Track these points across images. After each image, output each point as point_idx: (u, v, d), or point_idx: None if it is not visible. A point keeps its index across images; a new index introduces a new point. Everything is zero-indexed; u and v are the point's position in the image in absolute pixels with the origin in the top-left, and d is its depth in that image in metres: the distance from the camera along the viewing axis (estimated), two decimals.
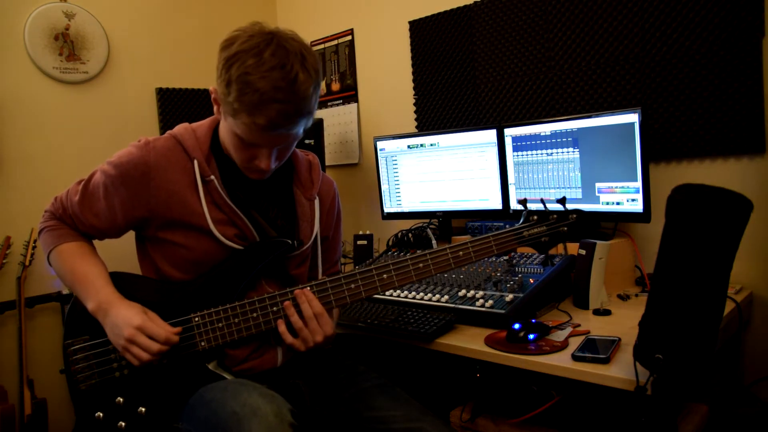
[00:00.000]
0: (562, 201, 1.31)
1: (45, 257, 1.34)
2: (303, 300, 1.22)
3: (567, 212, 1.30)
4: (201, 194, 1.24)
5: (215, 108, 1.23)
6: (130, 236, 1.35)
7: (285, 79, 1.08)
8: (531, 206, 1.36)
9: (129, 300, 1.23)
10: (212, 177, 1.25)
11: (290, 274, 1.34)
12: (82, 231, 1.32)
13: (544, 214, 1.30)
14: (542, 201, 1.34)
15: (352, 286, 1.24)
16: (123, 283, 1.27)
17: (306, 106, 1.13)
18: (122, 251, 1.46)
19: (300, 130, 1.18)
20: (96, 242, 1.36)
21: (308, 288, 1.24)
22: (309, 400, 1.30)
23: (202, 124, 1.31)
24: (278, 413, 1.05)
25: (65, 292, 2.32)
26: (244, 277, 1.26)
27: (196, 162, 1.25)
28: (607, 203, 1.73)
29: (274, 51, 1.09)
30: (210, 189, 1.25)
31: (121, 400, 1.22)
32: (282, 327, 1.22)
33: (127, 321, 1.17)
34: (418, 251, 1.26)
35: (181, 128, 1.30)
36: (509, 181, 1.99)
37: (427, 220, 2.27)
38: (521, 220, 1.31)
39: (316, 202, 1.39)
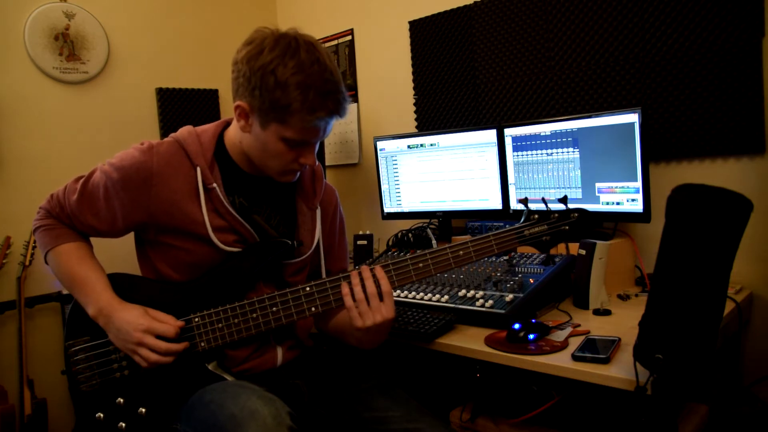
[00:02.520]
0: (564, 200, 1.29)
1: (42, 256, 1.33)
2: (368, 276, 1.19)
3: (568, 211, 1.29)
4: (202, 202, 1.24)
5: (242, 123, 1.22)
6: (130, 237, 1.35)
7: (326, 71, 1.15)
8: (532, 206, 1.35)
9: (128, 302, 1.23)
10: (214, 185, 1.24)
11: (286, 281, 1.34)
12: (79, 230, 1.31)
13: (545, 213, 1.29)
14: (543, 200, 1.33)
15: None
16: (123, 284, 1.27)
17: (345, 89, 1.20)
18: (122, 252, 1.46)
19: None
20: (97, 243, 1.35)
21: (377, 267, 1.22)
22: (308, 400, 1.30)
23: (207, 129, 1.30)
24: (276, 416, 1.05)
25: (65, 292, 2.32)
26: (243, 277, 1.26)
27: (198, 169, 1.24)
28: (607, 203, 1.73)
29: (306, 48, 1.15)
30: (212, 196, 1.25)
31: (122, 400, 1.22)
32: (345, 289, 1.20)
33: (134, 325, 1.18)
34: (418, 251, 1.26)
35: (185, 132, 1.29)
36: (509, 181, 1.99)
37: (427, 220, 2.27)
38: (522, 219, 1.29)
39: (318, 211, 1.39)
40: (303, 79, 1.12)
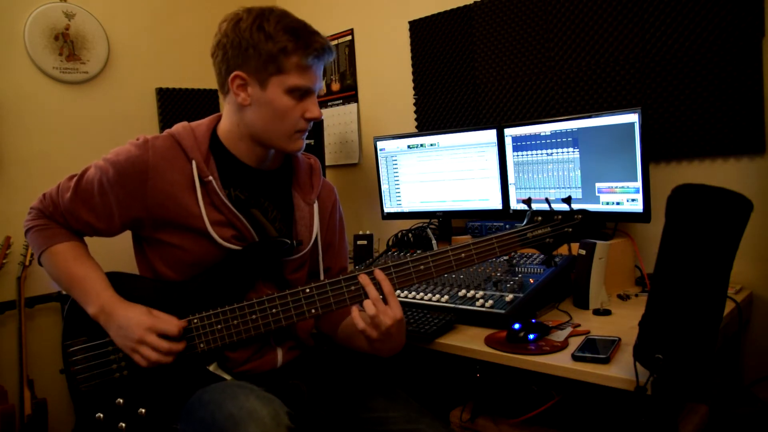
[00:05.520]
0: (568, 200, 1.26)
1: (36, 258, 1.32)
2: (368, 283, 1.19)
3: (572, 212, 1.26)
4: (198, 196, 1.23)
5: (242, 95, 1.22)
6: (127, 237, 1.34)
7: (304, 22, 1.24)
8: (534, 206, 1.32)
9: (129, 301, 1.23)
10: (210, 178, 1.24)
11: (286, 278, 1.34)
12: (74, 228, 1.30)
13: (549, 215, 1.26)
14: (547, 200, 1.30)
15: (352, 288, 1.22)
16: (121, 284, 1.27)
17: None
18: (119, 250, 1.46)
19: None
20: (93, 242, 1.34)
21: (381, 270, 1.21)
22: (308, 400, 1.30)
23: (201, 124, 1.30)
24: (275, 416, 1.04)
25: (65, 292, 2.32)
26: (242, 278, 1.26)
27: (194, 163, 1.24)
28: (607, 203, 1.73)
29: (280, 10, 1.23)
30: (208, 190, 1.25)
31: (122, 401, 1.22)
32: (356, 312, 1.19)
33: (136, 322, 1.18)
34: (418, 251, 1.25)
35: (179, 127, 1.29)
36: (509, 181, 1.99)
37: (427, 220, 2.27)
38: (525, 221, 1.27)
39: (315, 206, 1.38)
40: (288, 23, 1.20)
